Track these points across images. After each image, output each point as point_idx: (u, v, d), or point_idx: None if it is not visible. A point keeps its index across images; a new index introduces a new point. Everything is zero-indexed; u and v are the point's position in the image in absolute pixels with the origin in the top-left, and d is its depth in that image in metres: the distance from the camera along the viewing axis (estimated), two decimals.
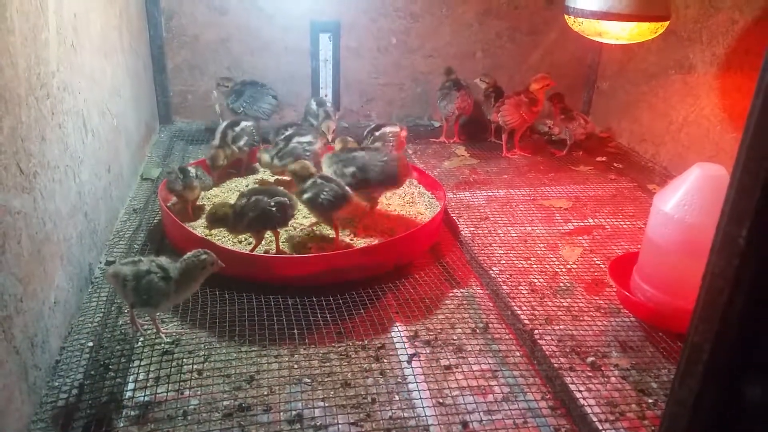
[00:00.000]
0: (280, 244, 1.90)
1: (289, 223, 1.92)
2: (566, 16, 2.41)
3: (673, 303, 1.59)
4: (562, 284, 1.86)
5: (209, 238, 1.88)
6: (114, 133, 2.13)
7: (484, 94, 3.07)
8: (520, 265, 1.96)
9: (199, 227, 1.99)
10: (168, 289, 1.47)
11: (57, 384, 1.37)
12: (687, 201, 1.55)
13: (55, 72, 1.55)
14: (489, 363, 1.52)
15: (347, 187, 1.91)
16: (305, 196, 1.89)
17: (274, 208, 1.80)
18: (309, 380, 1.43)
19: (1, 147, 1.19)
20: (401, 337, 1.60)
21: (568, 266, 1.96)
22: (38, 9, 1.44)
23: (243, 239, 1.91)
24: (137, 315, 1.55)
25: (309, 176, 1.92)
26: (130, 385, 1.40)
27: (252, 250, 1.84)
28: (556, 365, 1.49)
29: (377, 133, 2.42)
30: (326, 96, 3.11)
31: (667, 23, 2.29)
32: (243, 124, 2.45)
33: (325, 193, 1.86)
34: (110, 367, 1.44)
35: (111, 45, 2.16)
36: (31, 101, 1.36)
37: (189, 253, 1.51)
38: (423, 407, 1.36)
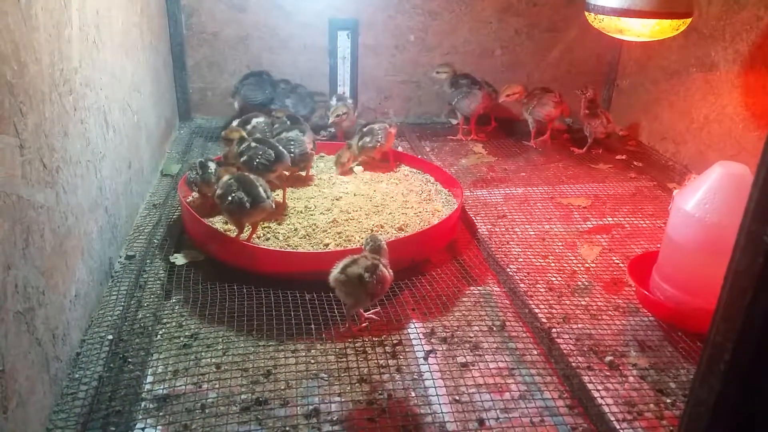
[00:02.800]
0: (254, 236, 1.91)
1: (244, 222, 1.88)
2: (586, 13, 2.39)
3: (693, 302, 1.58)
4: (580, 283, 1.85)
5: (228, 233, 1.90)
6: (134, 129, 2.15)
7: (450, 83, 3.08)
8: (538, 264, 1.95)
9: (218, 222, 2.01)
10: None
11: (78, 376, 1.39)
12: (708, 200, 1.53)
13: (78, 68, 1.57)
14: (506, 361, 1.51)
15: (284, 151, 2.11)
16: (241, 159, 2.06)
17: (230, 198, 1.81)
18: (326, 375, 1.44)
19: (26, 143, 1.21)
20: (418, 333, 1.60)
21: (587, 265, 1.95)
22: (62, 6, 1.46)
23: (261, 234, 1.92)
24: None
25: (240, 139, 2.13)
26: (149, 378, 1.41)
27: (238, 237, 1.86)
28: (573, 364, 1.48)
29: (365, 129, 2.50)
30: (344, 93, 3.12)
31: (689, 20, 2.26)
32: (254, 121, 2.45)
33: (259, 156, 2.04)
34: (129, 360, 1.46)
35: (132, 42, 2.18)
36: (54, 97, 1.38)
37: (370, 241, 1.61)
38: (439, 404, 1.36)
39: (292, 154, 2.21)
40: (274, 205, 1.87)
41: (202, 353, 1.50)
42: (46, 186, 1.32)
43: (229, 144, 2.15)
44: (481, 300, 1.77)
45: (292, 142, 2.26)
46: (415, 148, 2.89)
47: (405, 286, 1.79)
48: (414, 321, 1.66)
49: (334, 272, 1.55)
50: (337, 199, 2.18)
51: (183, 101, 3.09)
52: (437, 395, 1.39)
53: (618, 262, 1.97)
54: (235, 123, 2.45)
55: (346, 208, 2.11)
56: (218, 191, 1.87)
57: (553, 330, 1.60)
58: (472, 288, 1.83)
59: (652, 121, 3.03)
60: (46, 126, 1.32)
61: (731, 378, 0.70)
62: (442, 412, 1.34)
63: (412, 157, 2.57)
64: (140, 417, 1.30)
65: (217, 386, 1.39)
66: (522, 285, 1.82)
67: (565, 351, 1.53)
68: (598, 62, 3.35)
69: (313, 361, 1.49)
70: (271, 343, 1.54)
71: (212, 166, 2.08)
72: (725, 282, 0.70)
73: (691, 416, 0.76)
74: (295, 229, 1.96)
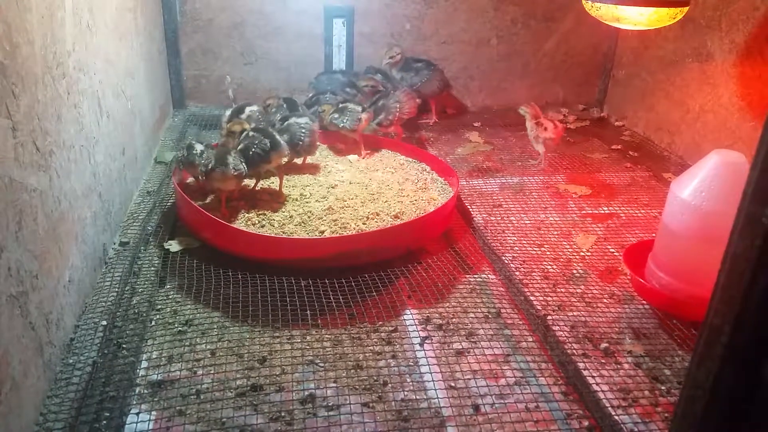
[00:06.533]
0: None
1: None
2: (583, 2, 2.38)
3: (687, 290, 1.58)
4: (575, 271, 1.85)
5: (222, 220, 1.89)
6: (129, 115, 2.13)
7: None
8: (534, 252, 1.95)
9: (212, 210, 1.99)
10: None
11: (72, 361, 1.39)
12: (704, 188, 1.53)
13: (71, 52, 1.55)
14: (501, 348, 1.52)
15: (280, 140, 2.07)
16: (238, 148, 2.04)
17: (234, 172, 1.89)
18: (321, 362, 1.44)
19: (18, 125, 1.20)
20: (413, 320, 1.60)
21: (582, 254, 1.95)
22: None
23: (257, 221, 1.92)
24: None
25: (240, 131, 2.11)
26: (144, 364, 1.41)
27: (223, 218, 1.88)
28: (568, 351, 1.48)
29: (340, 105, 2.48)
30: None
31: (686, 9, 2.25)
32: (248, 109, 2.42)
33: (255, 145, 2.01)
34: (124, 345, 1.46)
35: (126, 27, 2.16)
36: (47, 80, 1.37)
37: None
38: (435, 390, 1.36)
39: (301, 141, 2.21)
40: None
41: (197, 339, 1.50)
42: (39, 169, 1.30)
43: (233, 136, 2.13)
44: (477, 288, 1.77)
45: (303, 130, 2.23)
46: (412, 137, 2.88)
47: (401, 273, 1.79)
48: (410, 308, 1.66)
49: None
50: (332, 187, 2.17)
51: (177, 88, 3.06)
52: (433, 381, 1.39)
53: (613, 251, 1.97)
54: (227, 112, 2.44)
55: (341, 195, 2.10)
56: (241, 145, 2.00)
57: (549, 317, 1.60)
58: (467, 276, 1.83)
59: (647, 111, 3.03)
60: (39, 109, 1.31)
61: (728, 361, 0.70)
62: (437, 398, 1.34)
63: (409, 146, 2.56)
64: (135, 402, 1.30)
65: (212, 372, 1.39)
66: (517, 273, 1.82)
67: (560, 338, 1.53)
68: (594, 52, 3.35)
69: (308, 348, 1.48)
70: (266, 330, 1.54)
71: (198, 147, 2.04)
72: (723, 265, 0.70)
73: (688, 399, 0.76)
74: (290, 216, 1.95)
